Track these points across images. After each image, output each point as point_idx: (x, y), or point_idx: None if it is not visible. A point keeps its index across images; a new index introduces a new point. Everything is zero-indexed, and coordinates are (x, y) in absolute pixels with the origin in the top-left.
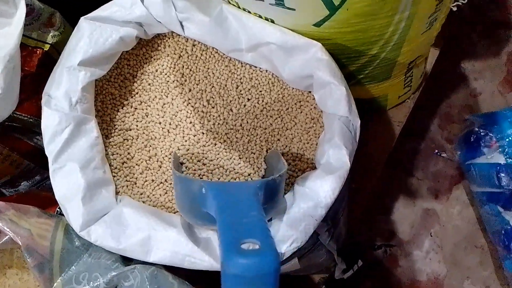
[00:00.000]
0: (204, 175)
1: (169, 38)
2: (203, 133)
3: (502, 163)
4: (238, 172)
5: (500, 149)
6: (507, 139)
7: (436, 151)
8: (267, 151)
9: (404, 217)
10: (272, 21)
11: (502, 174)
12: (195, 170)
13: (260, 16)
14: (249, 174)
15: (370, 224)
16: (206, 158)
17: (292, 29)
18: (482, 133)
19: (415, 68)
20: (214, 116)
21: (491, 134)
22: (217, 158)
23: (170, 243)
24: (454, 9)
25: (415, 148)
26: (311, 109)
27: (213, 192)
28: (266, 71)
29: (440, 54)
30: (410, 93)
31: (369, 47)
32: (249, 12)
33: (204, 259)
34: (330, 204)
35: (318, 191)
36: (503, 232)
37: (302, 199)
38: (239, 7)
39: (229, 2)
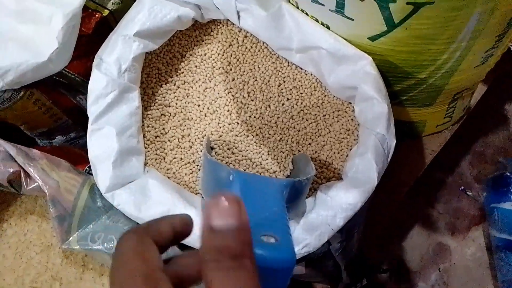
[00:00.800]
0: (231, 163)
1: (223, 25)
2: (238, 123)
3: None
4: (264, 167)
5: None
6: None
7: (462, 187)
8: (295, 153)
9: (416, 246)
10: (328, 27)
11: None
12: (223, 157)
13: (316, 20)
14: (274, 172)
15: (381, 246)
16: (236, 148)
17: (346, 38)
18: None
19: (460, 100)
20: (251, 108)
21: None
22: (247, 150)
23: None
24: None
25: (441, 180)
26: (348, 120)
27: (240, 181)
28: (311, 74)
29: (486, 91)
30: (449, 124)
31: (419, 70)
32: (306, 14)
33: None
34: (350, 217)
35: (340, 202)
36: None
37: (322, 207)
38: (297, 7)
39: (289, 1)
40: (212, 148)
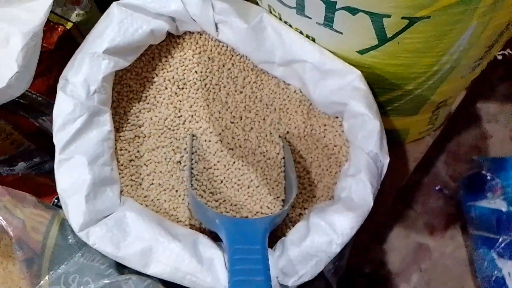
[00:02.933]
0: (215, 203)
1: (199, 38)
2: (220, 149)
3: (504, 210)
4: (254, 193)
5: (503, 196)
6: None
7: (439, 187)
8: (283, 172)
9: (396, 248)
10: (313, 39)
11: (502, 221)
12: (205, 186)
13: (300, 32)
14: (267, 194)
15: (362, 250)
16: (218, 170)
17: (333, 51)
18: (488, 177)
19: (443, 108)
20: (235, 131)
21: (497, 180)
22: (232, 178)
23: (172, 258)
24: (499, 57)
25: (417, 181)
26: (335, 135)
27: (225, 227)
28: (295, 89)
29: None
30: (431, 131)
31: (407, 82)
32: (290, 26)
33: (206, 280)
34: (346, 242)
35: (335, 227)
36: (493, 278)
37: (317, 232)
38: (280, 19)
39: (271, 12)
40: (192, 174)
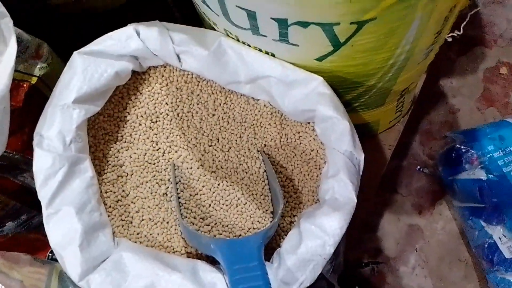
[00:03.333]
0: (203, 217)
1: (164, 70)
2: (202, 173)
3: (484, 178)
4: (243, 213)
5: (481, 165)
6: (488, 156)
7: (419, 167)
8: (268, 187)
9: (390, 233)
10: (273, 55)
11: (484, 190)
12: (194, 212)
13: (260, 50)
14: (255, 210)
15: (357, 242)
16: (204, 194)
17: (293, 62)
18: (463, 150)
19: (407, 94)
20: (214, 153)
21: (472, 151)
22: (217, 196)
23: None
24: (449, 39)
25: (398, 165)
26: (310, 140)
27: (221, 248)
28: (264, 104)
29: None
30: (400, 118)
31: (368, 78)
32: (248, 45)
33: None
34: (339, 241)
35: (325, 228)
36: (486, 245)
37: (309, 238)
38: (238, 40)
39: (228, 35)
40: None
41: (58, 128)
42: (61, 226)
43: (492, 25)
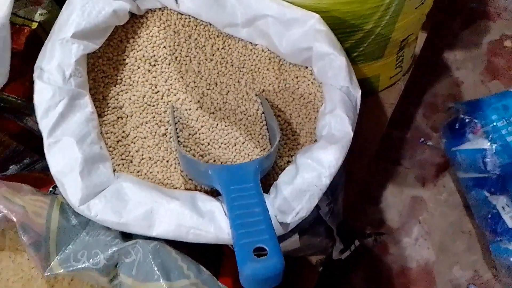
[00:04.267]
0: (202, 154)
1: (162, 14)
2: (201, 115)
3: (487, 148)
4: (240, 151)
5: (485, 135)
6: (491, 125)
7: (422, 139)
8: (266, 127)
9: (393, 205)
10: None
11: (488, 159)
12: (193, 150)
13: None
14: (251, 152)
15: (360, 213)
16: (203, 134)
17: (290, 1)
18: (466, 120)
19: (407, 48)
20: (212, 96)
21: (475, 121)
22: (215, 135)
23: (174, 216)
24: None
25: (401, 137)
26: (308, 84)
27: (218, 174)
28: (262, 49)
29: (424, 43)
30: (400, 75)
31: (365, 20)
32: None
33: (209, 231)
34: (334, 173)
35: (322, 161)
36: (489, 216)
37: (305, 170)
38: None
39: None
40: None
41: (58, 61)
42: (62, 155)
43: None
